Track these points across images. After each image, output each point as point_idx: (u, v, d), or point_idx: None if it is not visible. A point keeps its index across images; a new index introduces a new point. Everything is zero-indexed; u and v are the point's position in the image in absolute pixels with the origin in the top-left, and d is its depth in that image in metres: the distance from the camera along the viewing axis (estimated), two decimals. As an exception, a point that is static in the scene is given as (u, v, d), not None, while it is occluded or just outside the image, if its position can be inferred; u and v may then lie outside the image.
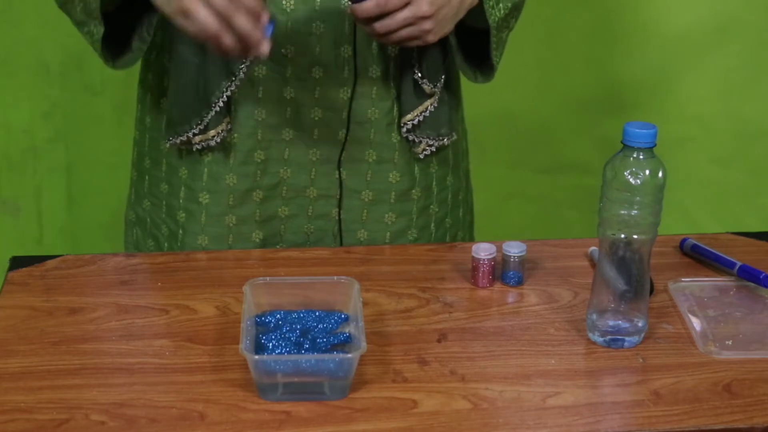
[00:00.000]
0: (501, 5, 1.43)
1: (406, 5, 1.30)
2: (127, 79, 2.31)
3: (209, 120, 1.43)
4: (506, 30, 1.48)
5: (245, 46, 1.25)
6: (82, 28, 1.43)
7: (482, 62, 1.51)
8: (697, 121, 2.43)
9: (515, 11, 1.48)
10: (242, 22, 1.23)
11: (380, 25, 1.31)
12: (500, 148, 2.47)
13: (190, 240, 1.52)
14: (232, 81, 1.41)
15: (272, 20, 1.27)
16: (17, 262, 1.41)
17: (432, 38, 1.35)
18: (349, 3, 1.32)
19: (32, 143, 2.42)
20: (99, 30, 1.39)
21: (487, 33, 1.45)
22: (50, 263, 1.42)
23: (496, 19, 1.43)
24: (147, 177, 1.56)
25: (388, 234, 1.55)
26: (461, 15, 1.38)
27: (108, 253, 1.45)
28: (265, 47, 1.25)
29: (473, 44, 1.49)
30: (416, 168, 1.53)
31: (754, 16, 2.35)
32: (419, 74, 1.45)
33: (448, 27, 1.37)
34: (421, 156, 1.52)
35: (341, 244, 1.54)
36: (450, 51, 1.48)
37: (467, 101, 1.64)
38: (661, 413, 1.13)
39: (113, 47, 1.44)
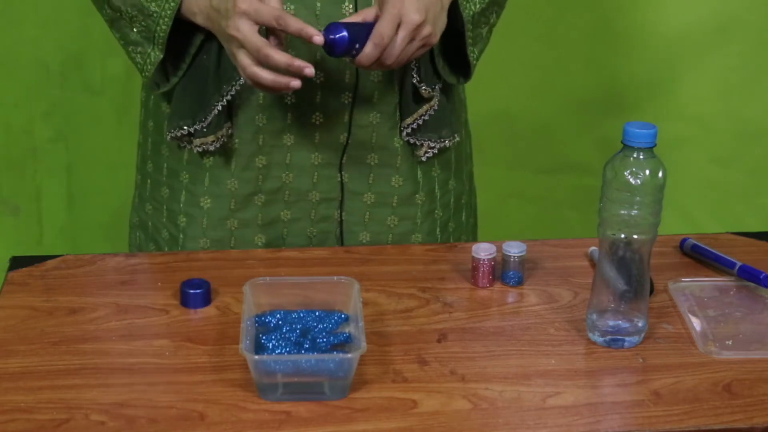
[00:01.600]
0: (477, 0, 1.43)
1: (398, 28, 1.30)
2: (127, 79, 2.33)
3: (212, 119, 1.43)
4: (485, 26, 1.48)
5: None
6: (133, 48, 1.43)
7: (463, 62, 1.50)
8: (697, 121, 2.43)
9: (494, 6, 1.47)
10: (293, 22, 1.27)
11: (387, 57, 1.31)
12: (500, 148, 2.47)
13: (191, 244, 1.51)
14: (232, 85, 1.40)
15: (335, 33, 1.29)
16: (17, 262, 1.41)
17: (435, 39, 1.35)
18: (351, 61, 1.32)
19: (32, 143, 2.42)
20: (157, 55, 1.40)
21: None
22: (50, 263, 1.42)
23: (471, 13, 1.43)
24: (149, 181, 1.56)
25: (391, 236, 1.54)
26: (446, 6, 1.38)
27: (108, 253, 1.45)
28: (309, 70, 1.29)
29: (455, 45, 1.48)
30: (419, 172, 1.53)
31: (754, 16, 2.35)
32: (417, 78, 1.45)
33: (442, 21, 1.36)
34: (423, 159, 1.52)
35: (342, 247, 1.53)
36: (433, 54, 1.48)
37: (467, 101, 1.64)
38: (661, 413, 1.13)
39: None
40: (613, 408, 1.14)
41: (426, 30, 1.32)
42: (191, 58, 1.42)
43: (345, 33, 1.29)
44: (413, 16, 1.30)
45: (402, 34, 1.30)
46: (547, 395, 1.15)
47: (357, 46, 1.29)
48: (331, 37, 1.29)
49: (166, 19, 1.37)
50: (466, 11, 1.42)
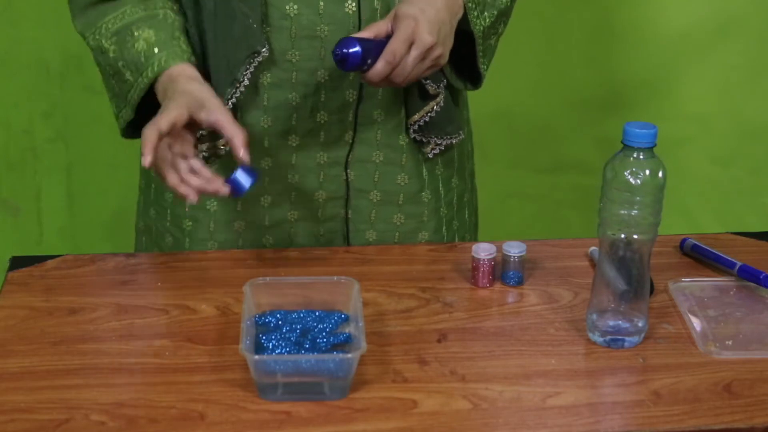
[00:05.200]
0: (486, 14, 1.43)
1: (410, 47, 1.30)
2: (127, 79, 2.33)
3: None
4: (494, 36, 1.48)
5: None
6: (110, 96, 1.45)
7: (472, 69, 1.50)
8: (697, 121, 2.43)
9: (502, 17, 1.48)
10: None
11: (397, 76, 1.31)
12: (500, 147, 2.47)
13: (198, 247, 1.50)
14: (236, 88, 1.40)
15: (252, 171, 1.29)
16: (17, 262, 1.41)
17: (444, 60, 1.36)
18: (360, 77, 1.33)
19: (32, 143, 2.42)
20: (129, 114, 1.42)
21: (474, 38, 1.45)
22: (50, 263, 1.42)
23: (482, 28, 1.43)
24: (153, 185, 1.56)
25: (397, 234, 1.54)
26: (455, 25, 1.38)
27: (108, 253, 1.45)
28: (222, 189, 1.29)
29: (462, 52, 1.48)
30: (424, 170, 1.53)
31: (754, 15, 2.35)
32: None
33: (450, 41, 1.37)
34: (430, 155, 1.52)
35: (349, 245, 1.53)
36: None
37: (468, 100, 1.64)
38: (661, 413, 1.13)
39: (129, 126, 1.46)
40: (613, 408, 1.14)
41: (437, 51, 1.33)
42: None
43: (358, 48, 1.29)
44: (426, 38, 1.30)
45: (414, 54, 1.31)
46: (547, 395, 1.15)
47: (369, 61, 1.30)
48: (345, 51, 1.29)
49: (138, 91, 1.38)
50: (477, 27, 1.42)
